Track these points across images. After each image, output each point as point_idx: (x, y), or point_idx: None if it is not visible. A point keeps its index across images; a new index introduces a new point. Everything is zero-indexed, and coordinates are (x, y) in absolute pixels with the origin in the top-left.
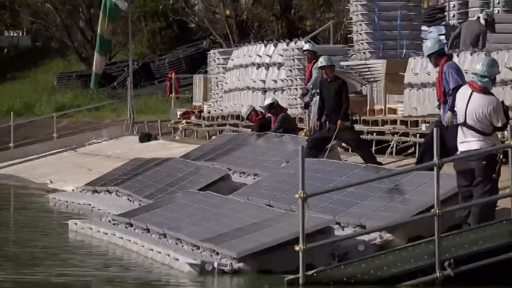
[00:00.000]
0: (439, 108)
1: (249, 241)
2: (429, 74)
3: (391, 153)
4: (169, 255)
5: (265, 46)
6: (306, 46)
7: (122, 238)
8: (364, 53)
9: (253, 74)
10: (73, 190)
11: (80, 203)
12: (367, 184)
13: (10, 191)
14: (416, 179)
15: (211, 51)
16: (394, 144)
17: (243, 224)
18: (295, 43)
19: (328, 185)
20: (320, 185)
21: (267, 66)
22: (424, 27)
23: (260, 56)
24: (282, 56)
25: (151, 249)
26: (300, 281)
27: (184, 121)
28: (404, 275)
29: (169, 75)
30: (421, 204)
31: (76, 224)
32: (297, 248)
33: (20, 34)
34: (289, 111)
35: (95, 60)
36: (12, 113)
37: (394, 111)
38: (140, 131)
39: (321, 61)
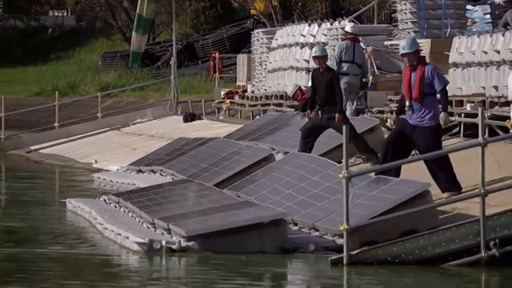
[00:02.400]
0: (409, 109)
1: (200, 222)
2: (474, 54)
3: None
4: (120, 234)
5: (309, 26)
6: (348, 27)
7: (92, 217)
8: (409, 32)
9: (297, 53)
10: (117, 170)
11: (124, 182)
12: (325, 186)
13: (55, 171)
14: (372, 183)
15: (255, 31)
16: None
17: (200, 208)
18: (339, 23)
19: (302, 184)
20: (297, 183)
21: (311, 45)
22: (469, 6)
23: (304, 36)
24: (325, 35)
25: (106, 228)
26: (344, 260)
27: (228, 101)
28: (448, 255)
29: (213, 55)
30: (375, 209)
31: (71, 202)
32: (341, 228)
33: (65, 14)
34: None
35: (133, 39)
36: (57, 92)
37: None
38: (184, 110)
39: (315, 51)
